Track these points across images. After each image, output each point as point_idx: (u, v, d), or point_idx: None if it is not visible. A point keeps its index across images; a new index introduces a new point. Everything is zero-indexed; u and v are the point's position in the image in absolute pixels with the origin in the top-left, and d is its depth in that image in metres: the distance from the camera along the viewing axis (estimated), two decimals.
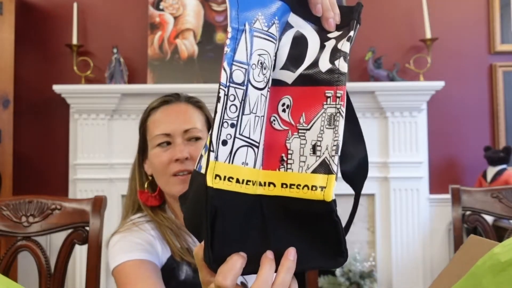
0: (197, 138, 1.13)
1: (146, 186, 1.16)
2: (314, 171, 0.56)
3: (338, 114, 0.57)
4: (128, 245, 1.07)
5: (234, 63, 0.55)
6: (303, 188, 0.55)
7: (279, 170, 0.57)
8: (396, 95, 2.77)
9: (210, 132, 0.54)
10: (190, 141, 1.12)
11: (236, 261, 0.53)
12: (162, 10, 2.92)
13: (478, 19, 2.97)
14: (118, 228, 1.15)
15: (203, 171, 0.55)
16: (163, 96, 1.20)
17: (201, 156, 0.58)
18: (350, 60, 2.87)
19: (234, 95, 0.54)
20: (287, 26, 0.61)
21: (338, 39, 0.61)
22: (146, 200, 1.15)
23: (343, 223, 0.59)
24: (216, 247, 0.54)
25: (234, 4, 0.56)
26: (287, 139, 0.58)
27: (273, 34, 0.58)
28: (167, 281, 1.06)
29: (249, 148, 0.56)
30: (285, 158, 0.58)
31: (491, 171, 2.68)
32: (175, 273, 1.07)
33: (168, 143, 1.11)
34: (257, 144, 0.56)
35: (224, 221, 0.53)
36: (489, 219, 1.70)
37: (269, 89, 0.58)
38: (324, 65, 0.59)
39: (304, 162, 0.57)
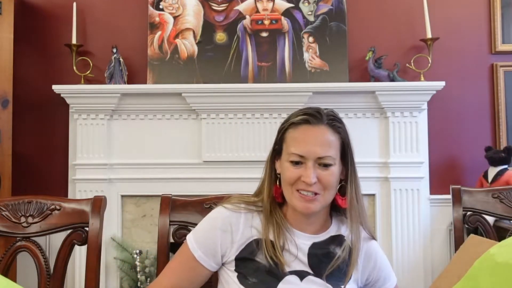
0: (328, 165, 1.18)
1: (277, 182, 1.25)
2: None
3: None
4: (205, 231, 1.23)
5: None
6: None
7: None
8: (396, 95, 2.76)
9: None
10: (320, 166, 1.18)
11: None
12: (162, 10, 2.92)
13: (479, 19, 2.96)
14: (229, 201, 1.26)
15: None
16: (306, 111, 1.22)
17: None
18: (350, 60, 2.88)
19: None
20: None
21: None
22: (277, 196, 1.24)
23: None
24: None
25: None
26: None
27: None
28: (246, 260, 1.19)
29: None
30: None
31: (492, 171, 2.67)
32: (255, 255, 1.19)
33: (300, 162, 1.18)
34: None
35: None
36: (490, 219, 1.69)
37: None
38: None
39: None
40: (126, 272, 2.77)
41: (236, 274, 1.19)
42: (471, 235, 1.49)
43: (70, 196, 2.86)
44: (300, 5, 2.91)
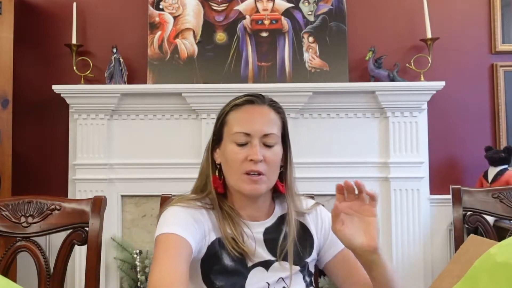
0: (272, 145, 1.19)
1: (217, 173, 1.23)
2: None
3: None
4: (177, 219, 1.13)
5: None
6: None
7: None
8: (396, 95, 2.76)
9: None
10: (265, 146, 1.18)
11: None
12: (162, 9, 2.92)
13: (479, 19, 2.96)
14: (179, 201, 1.20)
15: None
16: (247, 95, 1.24)
17: None
18: (350, 60, 2.88)
19: None
20: None
21: None
22: (217, 187, 1.22)
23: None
24: None
25: None
26: None
27: None
28: (211, 262, 1.15)
29: None
30: None
31: (492, 171, 2.67)
32: (218, 256, 1.15)
33: (245, 144, 1.18)
34: None
35: None
36: (490, 219, 1.70)
37: None
38: None
39: None
40: (126, 272, 2.77)
41: (201, 278, 1.15)
42: (471, 235, 1.49)
43: (70, 196, 2.86)
44: (300, 5, 2.91)
